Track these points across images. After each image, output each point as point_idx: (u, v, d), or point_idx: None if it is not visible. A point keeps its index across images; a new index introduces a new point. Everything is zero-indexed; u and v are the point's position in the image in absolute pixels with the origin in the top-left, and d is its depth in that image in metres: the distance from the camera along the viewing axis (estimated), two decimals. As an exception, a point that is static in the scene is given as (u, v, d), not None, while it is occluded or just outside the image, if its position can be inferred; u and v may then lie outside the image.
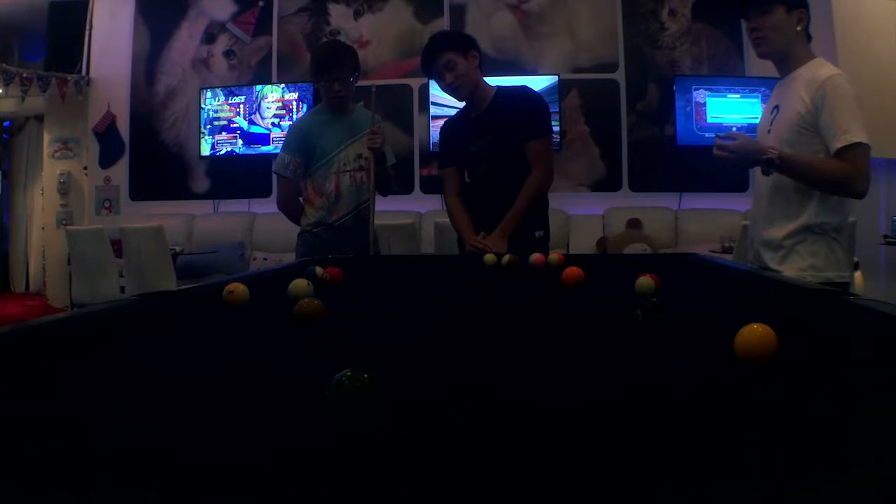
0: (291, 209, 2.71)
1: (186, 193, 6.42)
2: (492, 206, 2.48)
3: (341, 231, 2.60)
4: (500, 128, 2.47)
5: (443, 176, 2.68)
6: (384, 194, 2.81)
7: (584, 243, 5.55)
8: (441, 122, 2.89)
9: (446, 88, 2.49)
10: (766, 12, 1.89)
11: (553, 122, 4.57)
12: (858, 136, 1.76)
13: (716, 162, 1.87)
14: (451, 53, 2.41)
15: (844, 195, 1.84)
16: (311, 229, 2.64)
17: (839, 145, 1.77)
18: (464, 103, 2.59)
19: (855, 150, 1.76)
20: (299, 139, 2.62)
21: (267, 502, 0.47)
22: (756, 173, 2.03)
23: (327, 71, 2.54)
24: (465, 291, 1.78)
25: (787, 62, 1.95)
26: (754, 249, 2.03)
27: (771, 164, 1.81)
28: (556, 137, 5.60)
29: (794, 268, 1.86)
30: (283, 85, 6.17)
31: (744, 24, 2.01)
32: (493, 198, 2.49)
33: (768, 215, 1.95)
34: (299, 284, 1.37)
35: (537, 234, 2.51)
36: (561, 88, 5.79)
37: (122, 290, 4.65)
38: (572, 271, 1.58)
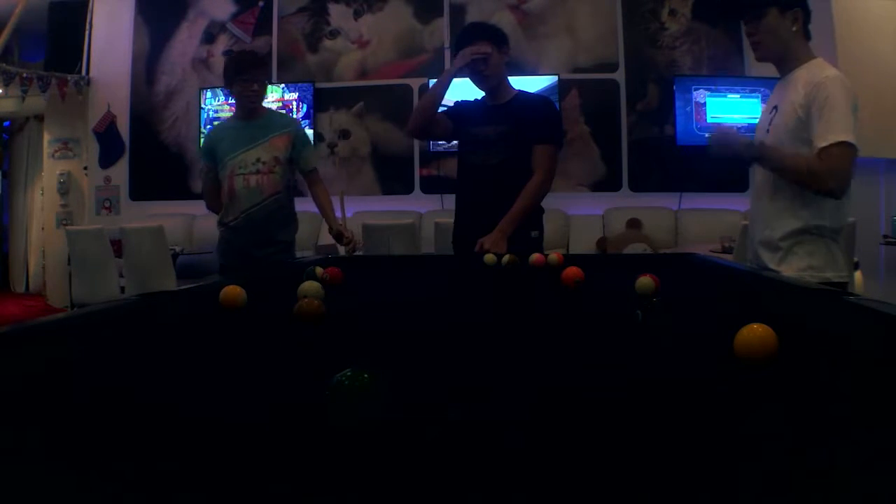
0: (214, 208, 2.86)
1: (186, 193, 6.41)
2: (497, 194, 2.48)
3: (236, 231, 2.72)
4: (516, 121, 2.50)
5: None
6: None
7: (584, 243, 5.55)
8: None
9: (475, 75, 2.53)
10: (760, 16, 1.88)
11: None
12: (840, 136, 1.75)
13: (713, 160, 1.93)
14: (487, 44, 2.48)
15: (815, 192, 1.83)
16: (218, 227, 2.82)
17: (821, 145, 1.77)
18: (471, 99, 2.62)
19: (832, 149, 1.76)
20: (207, 145, 2.81)
21: (267, 501, 0.47)
22: (755, 173, 2.03)
23: (246, 71, 2.66)
24: (466, 291, 1.78)
25: (786, 62, 1.95)
26: (753, 249, 2.03)
27: (750, 149, 1.87)
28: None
29: (792, 268, 1.86)
30: (283, 85, 6.17)
31: (743, 27, 2.01)
32: (500, 186, 2.49)
33: (767, 216, 1.95)
34: (310, 286, 1.37)
35: (533, 233, 2.53)
36: (561, 88, 5.78)
37: (122, 290, 4.65)
38: (572, 271, 1.58)
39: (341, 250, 2.84)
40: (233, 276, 2.28)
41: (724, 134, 1.92)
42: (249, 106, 2.71)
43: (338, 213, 2.76)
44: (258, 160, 2.69)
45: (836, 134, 1.75)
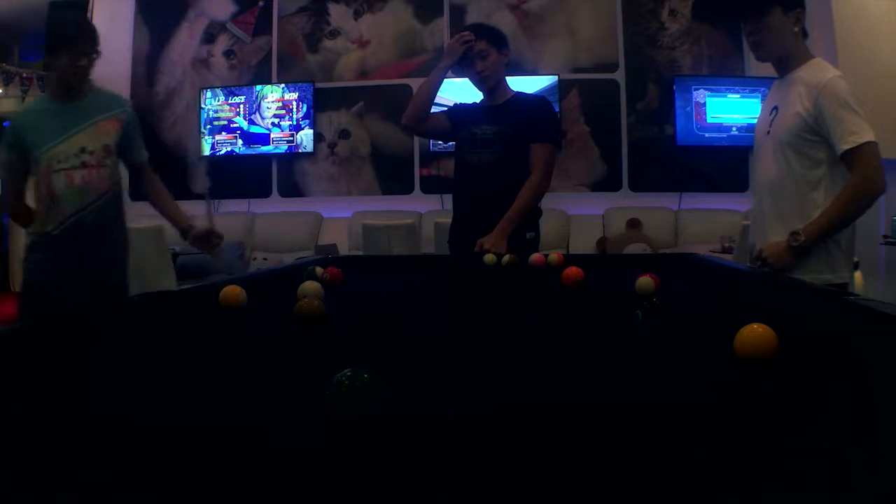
0: (14, 214, 2.32)
1: (187, 194, 6.41)
2: (494, 194, 2.48)
3: (59, 244, 2.17)
4: (514, 120, 2.51)
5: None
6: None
7: (584, 243, 5.55)
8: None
9: (474, 75, 2.54)
10: (764, 14, 1.87)
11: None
12: (863, 136, 1.76)
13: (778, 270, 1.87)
14: (486, 44, 2.50)
15: (874, 201, 1.83)
16: (36, 240, 2.25)
17: (846, 147, 1.76)
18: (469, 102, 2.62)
19: (862, 151, 1.76)
20: (12, 134, 2.20)
21: (267, 501, 0.47)
22: (756, 175, 2.03)
23: (77, 44, 2.10)
24: (466, 291, 1.78)
25: (786, 63, 1.94)
26: (754, 250, 2.03)
27: (798, 238, 1.82)
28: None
29: (793, 270, 1.86)
30: (283, 85, 6.17)
31: (743, 27, 2.00)
32: (497, 185, 2.49)
33: (768, 217, 1.95)
34: (310, 286, 1.37)
35: (528, 235, 2.53)
36: (561, 88, 5.79)
37: (122, 290, 4.65)
38: (572, 271, 1.58)
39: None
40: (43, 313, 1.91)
41: (774, 255, 1.89)
42: (74, 85, 2.15)
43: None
44: (83, 150, 2.16)
45: (858, 135, 1.76)
